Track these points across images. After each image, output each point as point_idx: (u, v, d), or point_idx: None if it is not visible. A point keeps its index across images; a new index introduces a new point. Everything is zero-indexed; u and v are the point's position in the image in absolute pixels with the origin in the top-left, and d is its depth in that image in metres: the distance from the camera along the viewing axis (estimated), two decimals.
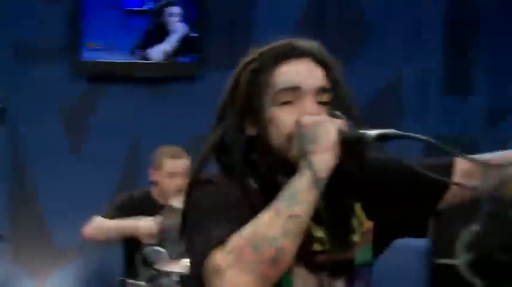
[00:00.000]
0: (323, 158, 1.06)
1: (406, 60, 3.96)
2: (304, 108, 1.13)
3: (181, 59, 3.63)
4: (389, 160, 1.21)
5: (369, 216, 1.20)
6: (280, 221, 1.04)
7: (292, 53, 1.17)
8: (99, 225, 2.91)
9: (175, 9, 3.43)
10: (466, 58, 4.06)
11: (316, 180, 1.05)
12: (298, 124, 1.10)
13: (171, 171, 2.96)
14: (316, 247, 1.15)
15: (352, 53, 3.76)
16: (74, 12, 3.60)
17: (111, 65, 3.60)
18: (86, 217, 2.92)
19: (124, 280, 2.92)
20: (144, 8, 3.45)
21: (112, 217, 2.90)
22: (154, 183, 3.04)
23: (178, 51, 3.58)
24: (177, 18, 3.44)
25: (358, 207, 1.20)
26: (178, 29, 3.48)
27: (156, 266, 2.78)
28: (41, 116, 3.70)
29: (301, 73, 1.16)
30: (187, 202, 1.18)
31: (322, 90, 1.15)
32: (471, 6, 4.07)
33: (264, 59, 1.18)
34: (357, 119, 1.17)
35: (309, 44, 1.20)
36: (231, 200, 1.12)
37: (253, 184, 1.15)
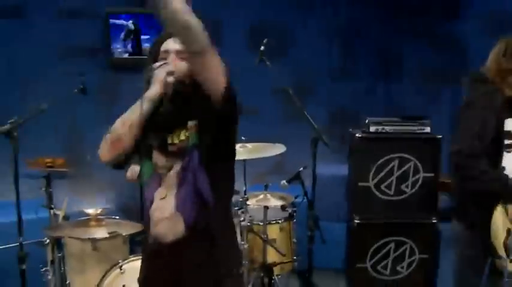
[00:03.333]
0: (152, 89, 1.95)
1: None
2: (170, 60, 2.01)
3: None
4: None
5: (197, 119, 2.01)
6: (124, 125, 1.96)
7: (166, 36, 2.07)
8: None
9: None
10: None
11: (144, 102, 1.94)
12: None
13: None
14: (170, 140, 2.03)
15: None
16: None
17: None
18: None
19: None
20: None
21: None
22: None
23: None
24: None
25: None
26: None
27: None
28: None
29: (169, 43, 2.05)
30: None
31: (179, 51, 2.00)
32: None
33: (159, 39, 2.10)
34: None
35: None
36: None
37: None
